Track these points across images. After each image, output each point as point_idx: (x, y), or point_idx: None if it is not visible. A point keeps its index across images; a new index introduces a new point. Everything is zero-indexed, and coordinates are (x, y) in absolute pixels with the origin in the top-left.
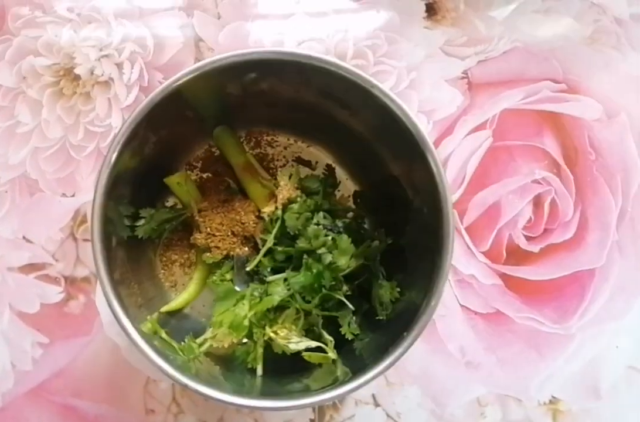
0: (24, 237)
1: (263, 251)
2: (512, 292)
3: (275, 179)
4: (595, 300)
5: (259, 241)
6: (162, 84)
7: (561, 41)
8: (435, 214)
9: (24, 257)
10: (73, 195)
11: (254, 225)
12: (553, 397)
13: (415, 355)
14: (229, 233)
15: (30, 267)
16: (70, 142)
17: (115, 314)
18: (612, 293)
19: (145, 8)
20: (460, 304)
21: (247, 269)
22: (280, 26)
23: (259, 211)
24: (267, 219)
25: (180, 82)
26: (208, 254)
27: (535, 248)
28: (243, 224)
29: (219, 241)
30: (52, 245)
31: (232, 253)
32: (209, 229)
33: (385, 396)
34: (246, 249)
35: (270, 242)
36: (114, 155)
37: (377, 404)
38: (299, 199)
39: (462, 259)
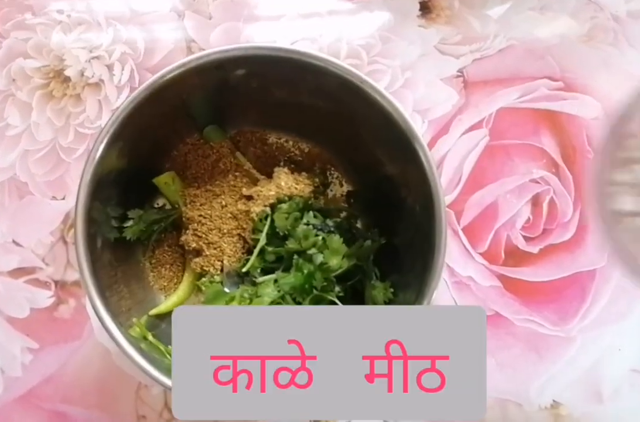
0: (13, 241)
1: (256, 251)
2: (511, 293)
3: (265, 178)
4: (596, 302)
5: (249, 241)
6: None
7: (558, 39)
8: (428, 212)
9: (13, 261)
10: (63, 199)
11: (244, 226)
12: (554, 401)
13: None
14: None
15: (19, 271)
16: (61, 144)
17: (100, 318)
18: (613, 295)
19: (136, 9)
20: None
21: (244, 270)
22: (273, 26)
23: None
24: (256, 218)
25: (164, 79)
26: (197, 259)
27: (534, 249)
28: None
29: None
30: (42, 249)
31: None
32: (197, 231)
33: None
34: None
35: (262, 241)
36: (97, 154)
37: None
38: (286, 198)
39: (460, 261)
